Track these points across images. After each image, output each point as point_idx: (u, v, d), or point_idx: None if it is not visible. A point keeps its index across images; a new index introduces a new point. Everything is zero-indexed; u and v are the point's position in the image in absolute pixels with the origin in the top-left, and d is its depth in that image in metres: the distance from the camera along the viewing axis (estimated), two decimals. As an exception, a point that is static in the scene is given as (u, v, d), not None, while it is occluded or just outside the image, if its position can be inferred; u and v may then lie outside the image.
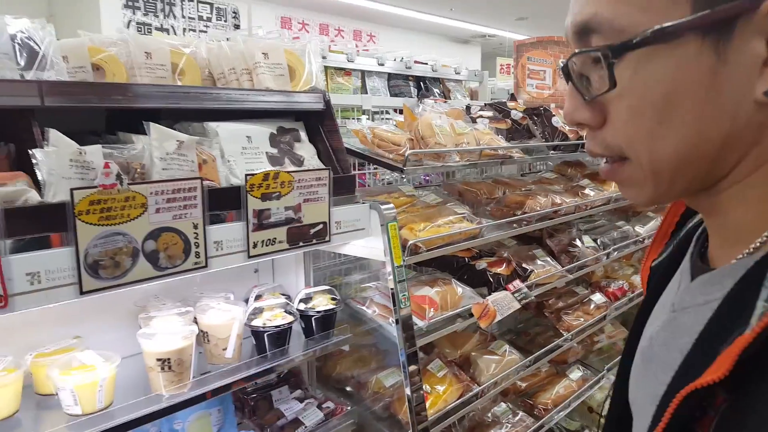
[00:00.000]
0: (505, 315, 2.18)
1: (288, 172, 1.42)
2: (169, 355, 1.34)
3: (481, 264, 2.47)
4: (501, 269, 2.46)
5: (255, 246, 1.38)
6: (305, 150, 1.68)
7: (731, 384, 0.49)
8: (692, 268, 0.66)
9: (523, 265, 2.54)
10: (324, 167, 1.58)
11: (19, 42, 1.17)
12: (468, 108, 2.75)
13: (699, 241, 0.69)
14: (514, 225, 2.45)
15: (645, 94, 0.55)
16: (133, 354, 1.46)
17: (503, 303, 2.20)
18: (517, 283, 2.36)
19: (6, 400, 1.19)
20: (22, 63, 1.16)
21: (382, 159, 1.82)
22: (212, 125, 1.48)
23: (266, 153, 1.56)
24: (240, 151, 1.49)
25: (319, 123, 1.73)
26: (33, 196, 1.03)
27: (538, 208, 2.50)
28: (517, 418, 2.56)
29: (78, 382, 1.20)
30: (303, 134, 1.70)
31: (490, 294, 2.31)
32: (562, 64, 0.63)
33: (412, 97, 3.61)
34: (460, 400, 2.06)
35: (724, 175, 0.58)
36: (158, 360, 1.34)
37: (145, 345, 1.34)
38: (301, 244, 1.49)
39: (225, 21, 6.21)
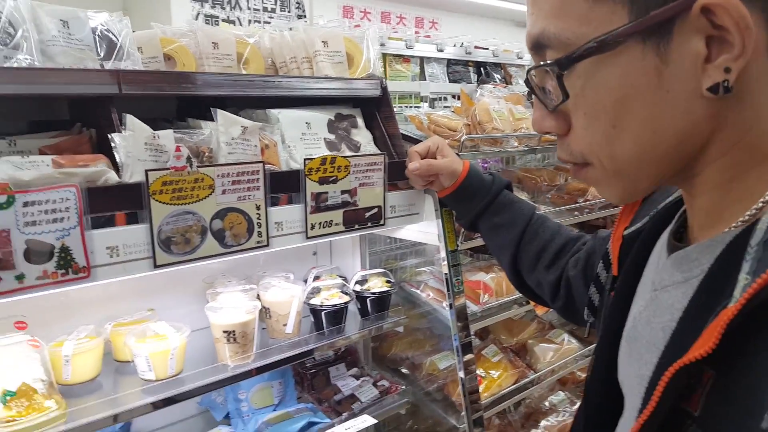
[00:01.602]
0: (562, 302, 2.18)
1: (344, 157, 1.47)
2: (234, 327, 1.43)
3: (539, 251, 2.46)
4: (560, 256, 2.44)
5: (313, 227, 1.44)
6: (362, 136, 1.73)
7: (717, 359, 0.49)
8: (669, 246, 0.67)
9: (584, 254, 2.51)
10: (379, 153, 1.62)
11: (99, 34, 1.27)
12: (530, 93, 2.72)
13: (679, 220, 0.70)
14: (576, 213, 2.42)
15: (596, 102, 0.58)
16: (201, 328, 1.56)
17: (560, 290, 2.19)
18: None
19: (89, 364, 1.32)
20: (102, 54, 1.26)
21: (438, 144, 1.84)
22: (274, 112, 1.55)
23: (324, 138, 1.62)
24: (299, 137, 1.56)
25: (375, 109, 1.78)
26: (112, 177, 1.13)
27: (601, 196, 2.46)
28: (575, 407, 2.54)
29: (152, 350, 1.31)
30: (360, 120, 1.75)
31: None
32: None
33: (471, 83, 3.60)
34: (515, 386, 2.08)
35: (690, 164, 0.59)
36: (224, 332, 1.43)
37: (212, 318, 1.44)
38: (356, 226, 1.54)
39: (289, 12, 6.34)
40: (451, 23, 8.06)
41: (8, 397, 1.08)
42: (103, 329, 1.39)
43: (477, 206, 1.34)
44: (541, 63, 0.60)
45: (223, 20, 5.95)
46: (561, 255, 1.19)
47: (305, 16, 6.31)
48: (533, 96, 0.65)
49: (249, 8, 6.07)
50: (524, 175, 2.73)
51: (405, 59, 3.35)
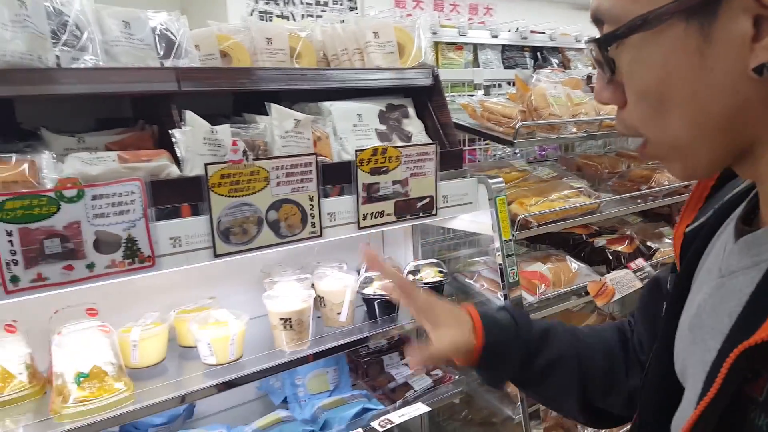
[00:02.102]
0: (624, 294, 2.11)
1: (395, 147, 1.48)
2: (290, 315, 1.47)
3: (600, 241, 2.39)
4: (622, 247, 2.37)
5: (365, 218, 1.46)
6: (413, 126, 1.73)
7: None
8: (735, 231, 0.65)
9: (648, 243, 2.42)
10: (430, 142, 1.62)
11: (159, 34, 1.32)
12: (589, 77, 2.64)
13: (748, 206, 0.68)
14: (639, 200, 2.34)
15: (642, 79, 0.59)
16: (259, 315, 1.62)
17: (623, 281, 2.13)
18: (639, 262, 2.26)
19: (155, 348, 1.39)
20: (162, 52, 1.31)
21: (492, 133, 1.82)
22: (326, 104, 1.57)
23: (375, 129, 1.63)
24: (351, 128, 1.58)
25: (427, 98, 1.77)
26: (173, 171, 1.19)
27: (666, 183, 2.37)
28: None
29: (213, 335, 1.36)
30: (411, 110, 1.75)
31: (608, 272, 2.24)
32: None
33: (527, 68, 3.52)
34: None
35: (749, 143, 0.58)
36: (281, 319, 1.48)
37: (269, 305, 1.49)
38: (408, 216, 1.55)
39: (341, 5, 6.38)
40: (506, 9, 7.87)
41: (81, 379, 1.16)
42: (168, 316, 1.46)
43: (515, 356, 0.96)
44: (592, 38, 0.62)
45: (277, 15, 6.05)
46: (625, 348, 0.99)
47: (356, 8, 6.34)
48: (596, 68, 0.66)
49: (302, 2, 6.15)
50: (584, 162, 2.66)
51: (458, 47, 3.30)
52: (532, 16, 7.77)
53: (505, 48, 3.58)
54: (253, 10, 5.87)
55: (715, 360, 0.58)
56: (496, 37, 3.18)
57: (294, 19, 6.06)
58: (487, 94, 3.05)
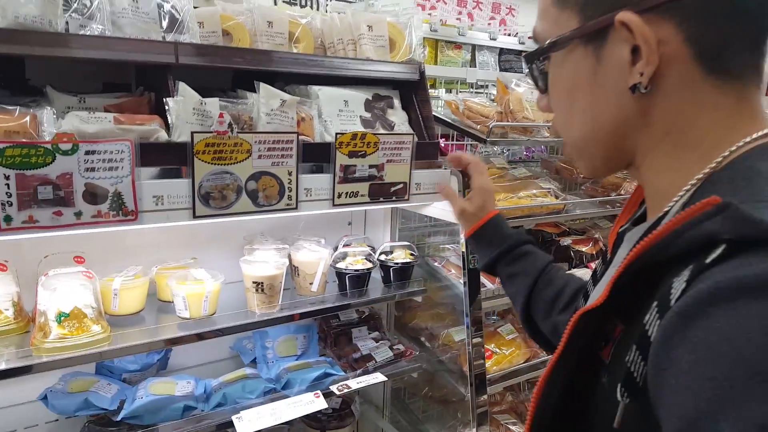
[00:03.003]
0: (581, 290, 2.19)
1: (374, 134, 1.56)
2: (263, 279, 1.55)
3: (566, 240, 2.48)
4: (586, 248, 2.46)
5: (339, 196, 1.54)
6: (397, 116, 1.80)
7: (625, 314, 0.59)
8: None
9: (611, 247, 2.50)
10: (408, 132, 1.70)
11: (164, 9, 1.39)
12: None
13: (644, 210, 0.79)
14: (607, 205, 2.42)
15: (556, 90, 0.71)
16: (239, 280, 1.70)
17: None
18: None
19: (134, 299, 1.47)
20: (164, 27, 1.38)
21: (468, 129, 1.89)
22: (315, 88, 1.64)
23: (360, 116, 1.71)
24: (336, 113, 1.65)
25: (413, 92, 1.85)
26: (162, 135, 1.26)
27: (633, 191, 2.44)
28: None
29: (189, 291, 1.45)
30: (397, 102, 1.82)
31: (569, 269, 2.32)
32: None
33: (522, 72, 3.58)
34: (526, 364, 2.13)
35: (632, 151, 0.68)
36: (254, 283, 1.56)
37: (244, 269, 1.57)
38: (381, 199, 1.63)
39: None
40: (529, 9, 7.84)
41: (62, 318, 1.24)
42: (150, 271, 1.54)
43: (494, 252, 1.33)
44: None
45: None
46: (576, 298, 1.17)
47: None
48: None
49: None
50: (562, 165, 2.73)
51: (457, 46, 3.36)
52: None
53: (502, 51, 3.63)
54: None
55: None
56: (494, 39, 3.24)
57: (317, 3, 6.03)
58: (475, 92, 3.11)
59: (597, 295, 0.73)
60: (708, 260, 0.49)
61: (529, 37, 0.84)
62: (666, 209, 0.62)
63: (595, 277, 1.02)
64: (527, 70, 0.76)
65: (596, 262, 1.16)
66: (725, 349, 0.43)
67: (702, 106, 0.61)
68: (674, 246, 0.53)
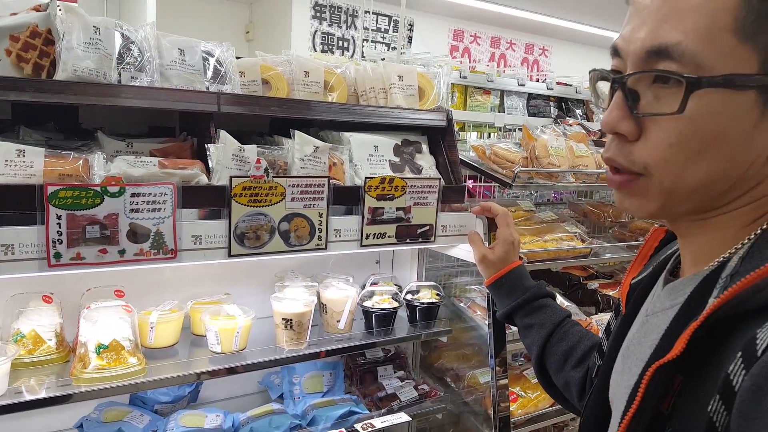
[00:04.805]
0: (608, 335, 2.14)
1: (402, 178, 1.58)
2: (292, 316, 1.57)
3: (593, 284, 2.44)
4: (614, 292, 2.41)
5: (367, 237, 1.56)
6: (425, 160, 1.83)
7: (686, 366, 0.58)
8: (664, 282, 0.74)
9: (639, 291, 2.45)
10: (435, 177, 1.72)
11: (208, 62, 1.46)
12: (601, 133, 2.70)
13: (674, 261, 0.76)
14: (635, 250, 2.38)
15: (699, 126, 0.59)
16: (269, 316, 1.72)
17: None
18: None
19: (170, 332, 1.50)
20: (208, 77, 1.45)
21: (494, 174, 1.91)
22: (346, 135, 1.69)
23: (389, 161, 1.74)
24: (366, 158, 1.69)
25: (441, 137, 1.87)
26: (203, 179, 1.31)
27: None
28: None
29: (221, 326, 1.47)
30: (425, 146, 1.85)
31: (596, 314, 2.28)
32: (601, 73, 0.68)
33: (550, 117, 3.59)
34: (552, 408, 2.07)
35: (720, 207, 0.64)
36: (283, 319, 1.58)
37: (275, 306, 1.59)
38: (408, 240, 1.64)
39: (397, 32, 6.48)
40: (561, 50, 7.88)
41: (101, 350, 1.28)
42: (185, 305, 1.58)
43: (513, 302, 1.34)
44: (676, 72, 0.59)
45: (339, 38, 6.19)
46: (589, 354, 1.16)
47: (413, 38, 6.45)
48: (618, 95, 0.64)
49: (365, 28, 6.28)
50: (590, 209, 2.70)
51: (486, 91, 3.41)
52: (586, 61, 7.77)
53: (531, 96, 3.67)
54: (317, 31, 6.00)
55: (636, 381, 0.65)
56: (523, 85, 3.27)
57: (354, 43, 6.17)
58: (503, 136, 3.13)
59: (638, 350, 0.72)
60: None
61: (613, 54, 0.64)
62: (718, 260, 0.63)
63: (609, 331, 1.00)
64: (629, 82, 0.62)
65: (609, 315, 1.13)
66: None
67: None
68: (755, 299, 0.54)
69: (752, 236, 0.62)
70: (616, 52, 0.66)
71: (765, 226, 0.61)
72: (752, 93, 0.57)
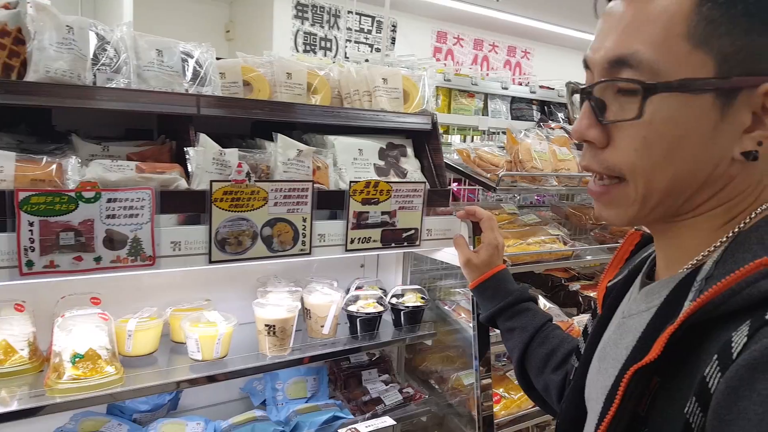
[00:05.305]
0: (590, 337, 2.14)
1: (387, 182, 1.55)
2: (275, 322, 1.53)
3: (575, 285, 2.43)
4: (594, 293, 2.40)
5: (352, 242, 1.53)
6: (410, 164, 1.80)
7: (662, 368, 0.59)
8: (641, 284, 0.74)
9: (620, 292, 2.45)
10: (420, 180, 1.69)
11: (187, 62, 1.42)
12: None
13: (650, 264, 0.77)
14: (615, 251, 2.38)
15: (660, 130, 0.61)
16: (251, 321, 1.67)
17: (589, 325, 2.16)
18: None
19: (148, 340, 1.45)
20: (187, 79, 1.40)
21: (478, 177, 1.88)
22: (330, 138, 1.65)
23: (374, 164, 1.71)
24: (351, 161, 1.65)
25: (425, 141, 1.85)
26: (182, 184, 1.26)
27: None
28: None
29: (202, 333, 1.42)
30: (410, 150, 1.83)
31: (577, 315, 2.27)
32: (573, 86, 0.69)
33: (533, 120, 3.59)
34: (534, 408, 2.06)
35: (691, 209, 0.66)
36: (266, 326, 1.53)
37: (257, 312, 1.55)
38: (393, 245, 1.61)
39: (380, 33, 6.42)
40: (544, 53, 7.92)
41: (77, 359, 1.22)
42: (164, 312, 1.53)
43: (495, 306, 1.34)
44: (633, 79, 0.61)
45: (321, 38, 6.11)
46: (568, 358, 1.16)
47: (396, 39, 6.39)
48: (586, 104, 0.66)
49: (349, 29, 6.21)
50: (571, 212, 2.70)
51: (470, 94, 3.40)
52: (569, 64, 7.79)
53: (514, 99, 3.66)
54: (299, 30, 5.91)
55: (613, 383, 0.66)
56: (506, 89, 3.26)
57: (337, 43, 6.09)
58: (487, 139, 3.12)
59: (614, 351, 0.72)
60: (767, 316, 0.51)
61: (585, 66, 0.66)
62: (692, 263, 0.64)
63: (586, 334, 0.99)
64: (595, 91, 0.64)
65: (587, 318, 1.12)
66: None
67: (758, 179, 0.63)
68: (731, 303, 0.55)
69: (725, 239, 0.63)
70: (585, 63, 0.69)
71: (737, 230, 0.63)
72: (709, 96, 0.59)
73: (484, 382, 1.73)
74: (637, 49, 0.61)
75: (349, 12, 5.80)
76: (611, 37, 0.64)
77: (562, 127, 2.96)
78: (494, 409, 1.87)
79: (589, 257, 2.19)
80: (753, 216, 0.63)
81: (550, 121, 3.43)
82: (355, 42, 6.23)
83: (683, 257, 0.67)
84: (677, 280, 0.65)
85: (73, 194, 1.10)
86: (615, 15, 0.64)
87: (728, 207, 0.64)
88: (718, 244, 0.63)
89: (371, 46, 6.36)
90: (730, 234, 0.63)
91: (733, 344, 0.52)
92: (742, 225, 0.63)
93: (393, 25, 6.46)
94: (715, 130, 0.60)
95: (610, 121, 0.64)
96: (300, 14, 5.88)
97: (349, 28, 6.16)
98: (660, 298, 0.66)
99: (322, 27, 6.07)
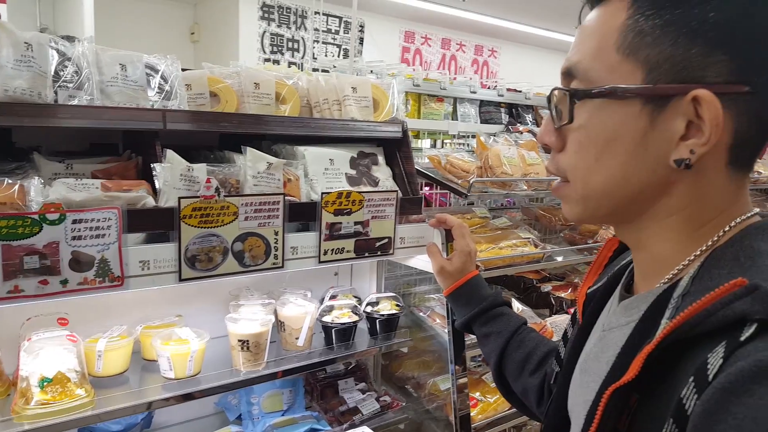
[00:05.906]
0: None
1: (359, 192, 1.55)
2: (248, 337, 1.51)
3: (547, 287, 2.47)
4: (566, 294, 2.45)
5: (325, 253, 1.52)
6: (381, 172, 1.81)
7: (641, 386, 0.59)
8: (620, 297, 0.76)
9: (590, 292, 2.50)
10: (392, 189, 1.70)
11: (152, 76, 1.40)
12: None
13: (629, 275, 0.78)
14: (585, 252, 2.43)
15: (591, 135, 0.66)
16: (224, 335, 1.66)
17: (561, 325, 2.20)
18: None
19: (119, 359, 1.42)
20: (153, 93, 1.38)
21: (450, 183, 1.90)
22: (300, 149, 1.65)
23: (345, 174, 1.71)
24: (322, 172, 1.65)
25: (396, 149, 1.86)
26: (149, 201, 1.24)
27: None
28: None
29: (173, 351, 1.40)
30: (381, 158, 1.83)
31: (550, 316, 2.31)
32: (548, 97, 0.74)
33: (502, 123, 3.64)
34: (510, 411, 2.09)
35: (640, 213, 0.68)
36: (239, 341, 1.52)
37: (230, 327, 1.53)
38: (366, 254, 1.61)
39: (348, 33, 6.39)
40: (510, 51, 8.03)
41: (45, 383, 1.19)
42: (135, 330, 1.50)
43: (470, 312, 1.35)
44: (563, 87, 0.69)
45: (288, 39, 6.05)
46: (545, 361, 1.18)
47: (364, 39, 6.38)
48: (549, 111, 0.73)
49: (316, 29, 6.17)
50: (541, 213, 2.75)
51: (439, 99, 3.43)
52: (535, 62, 7.92)
53: (482, 103, 3.71)
54: (265, 32, 5.84)
55: (594, 400, 0.67)
56: (474, 93, 3.30)
57: (304, 44, 6.05)
58: (456, 143, 3.15)
59: (596, 365, 0.73)
60: (742, 338, 0.52)
61: (564, 71, 0.70)
62: (668, 277, 0.66)
63: (566, 339, 1.01)
64: (552, 99, 0.70)
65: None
66: None
67: (717, 190, 0.64)
68: (706, 324, 0.55)
69: (698, 252, 0.65)
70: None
71: (710, 243, 0.65)
72: (637, 102, 0.62)
73: (461, 380, 1.74)
74: (578, 60, 0.67)
75: (316, 13, 5.77)
76: (570, 50, 0.70)
77: (530, 131, 3.01)
78: (471, 414, 1.89)
79: (559, 258, 2.24)
80: (727, 229, 0.64)
81: (518, 124, 3.49)
82: (323, 43, 6.20)
83: (659, 269, 0.68)
84: (655, 295, 0.66)
85: (36, 217, 1.08)
86: (580, 29, 0.70)
87: (687, 216, 0.65)
88: (693, 258, 0.65)
89: (339, 46, 6.32)
90: (704, 247, 0.64)
91: (708, 366, 0.53)
92: (716, 238, 0.64)
93: (361, 26, 6.46)
94: (645, 136, 0.63)
95: (558, 126, 0.70)
96: (266, 15, 5.82)
97: (316, 29, 6.12)
98: (639, 312, 0.68)
99: (289, 28, 6.02)
